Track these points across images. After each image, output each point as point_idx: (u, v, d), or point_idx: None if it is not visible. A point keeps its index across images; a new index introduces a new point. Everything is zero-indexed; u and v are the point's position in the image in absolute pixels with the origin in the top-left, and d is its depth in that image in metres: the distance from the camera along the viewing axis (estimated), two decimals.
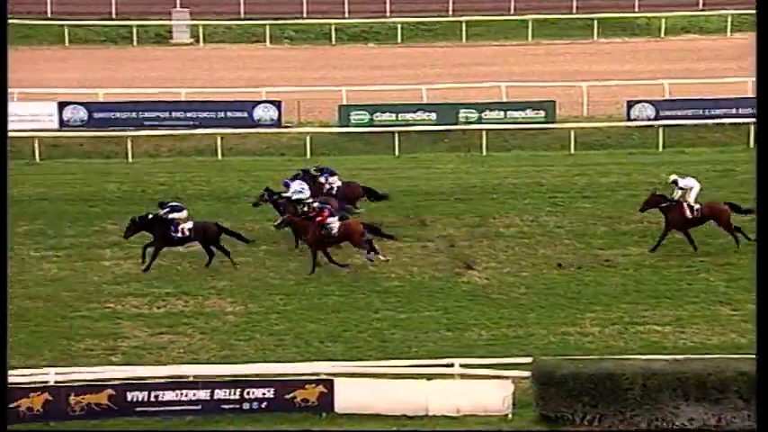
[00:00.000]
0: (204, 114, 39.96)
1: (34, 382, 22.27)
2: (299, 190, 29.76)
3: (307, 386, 22.49)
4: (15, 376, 22.51)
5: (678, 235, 29.18)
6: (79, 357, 24.17)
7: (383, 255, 28.36)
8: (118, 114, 39.85)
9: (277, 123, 40.04)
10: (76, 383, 22.28)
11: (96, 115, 39.79)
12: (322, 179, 30.92)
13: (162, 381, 22.50)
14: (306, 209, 28.78)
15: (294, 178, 30.52)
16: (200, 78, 44.31)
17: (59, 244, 29.44)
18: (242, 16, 52.71)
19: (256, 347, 24.89)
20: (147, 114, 39.90)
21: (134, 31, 50.63)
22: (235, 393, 22.43)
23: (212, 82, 43.38)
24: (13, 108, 39.47)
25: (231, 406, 22.41)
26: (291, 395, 22.44)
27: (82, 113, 39.79)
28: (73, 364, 23.59)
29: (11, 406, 21.81)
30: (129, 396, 22.20)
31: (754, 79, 23.55)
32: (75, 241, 29.76)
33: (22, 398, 21.92)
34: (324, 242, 28.19)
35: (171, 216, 28.31)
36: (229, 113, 40.10)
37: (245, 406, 22.43)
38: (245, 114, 40.03)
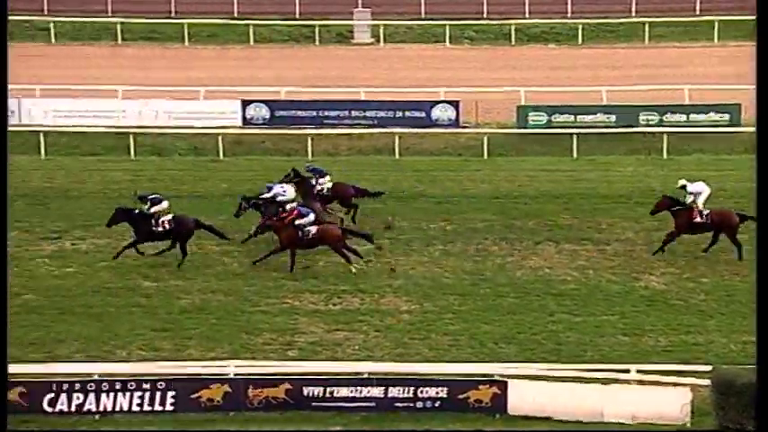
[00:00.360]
0: (382, 114, 40.30)
1: (215, 374, 22.80)
2: (282, 192, 29.69)
3: (480, 387, 22.48)
4: (196, 367, 23.13)
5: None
6: (258, 351, 24.64)
7: (356, 264, 27.91)
8: (299, 113, 40.50)
9: (455, 123, 40.11)
10: (255, 377, 22.73)
11: (278, 113, 40.51)
12: (312, 180, 30.85)
13: (337, 377, 22.78)
14: (279, 209, 28.78)
15: (283, 180, 30.46)
16: (379, 78, 44.67)
17: (240, 239, 30.01)
18: (422, 16, 52.95)
19: (431, 347, 24.99)
20: (327, 113, 40.44)
21: (316, 30, 51.36)
22: (408, 392, 22.56)
23: (391, 81, 43.68)
24: (199, 105, 40.59)
25: (405, 404, 22.55)
26: (465, 395, 22.46)
27: (264, 111, 40.55)
28: (252, 357, 24.08)
29: (192, 396, 22.43)
30: (306, 391, 22.54)
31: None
32: (256, 237, 30.28)
33: (203, 389, 22.48)
34: (297, 243, 27.92)
35: (153, 210, 28.52)
36: (407, 113, 40.34)
37: (419, 404, 22.54)
38: (423, 114, 40.21)
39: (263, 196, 29.72)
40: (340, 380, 22.69)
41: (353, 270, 27.90)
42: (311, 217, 28.15)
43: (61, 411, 22.28)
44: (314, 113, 40.43)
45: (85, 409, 22.33)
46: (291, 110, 40.56)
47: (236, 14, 52.97)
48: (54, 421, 22.17)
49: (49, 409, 22.27)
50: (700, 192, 29.03)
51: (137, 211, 28.57)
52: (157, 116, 40.05)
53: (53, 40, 50.15)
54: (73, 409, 22.28)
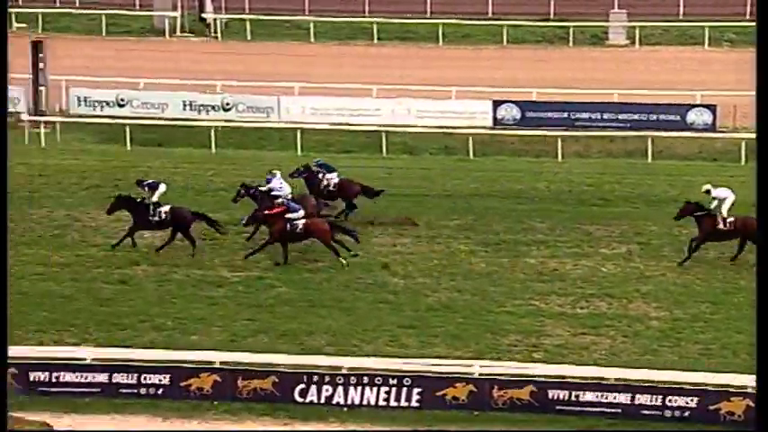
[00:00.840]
0: (636, 116, 39.73)
1: (460, 373, 22.93)
2: (278, 187, 29.45)
3: (732, 399, 21.85)
4: (441, 365, 23.30)
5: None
6: (503, 352, 24.64)
7: (344, 257, 28.05)
8: (550, 114, 40.33)
9: (711, 128, 39.14)
10: (500, 377, 22.75)
11: (529, 114, 40.44)
12: (320, 175, 30.69)
13: (583, 381, 22.56)
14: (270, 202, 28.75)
15: (293, 174, 30.45)
16: (633, 80, 43.99)
17: (488, 239, 30.10)
18: (680, 18, 51.87)
19: (680, 354, 24.46)
20: (578, 115, 40.13)
21: (570, 31, 51.00)
22: (656, 400, 22.15)
23: (646, 84, 42.95)
24: (451, 105, 40.92)
25: (651, 412, 22.15)
26: (716, 407, 21.88)
27: (515, 112, 40.55)
28: (497, 358, 24.10)
29: (437, 393, 22.61)
30: (551, 394, 22.42)
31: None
32: (503, 237, 30.32)
33: (449, 387, 22.65)
34: (287, 237, 28.09)
35: (153, 199, 28.61)
36: (662, 116, 39.65)
37: (666, 413, 22.09)
38: (678, 118, 39.41)
39: (261, 188, 29.93)
40: (586, 384, 22.47)
41: (344, 262, 28.02)
42: (300, 212, 28.44)
43: (312, 402, 22.85)
44: (565, 115, 40.19)
45: (334, 401, 22.83)
46: (542, 111, 40.43)
47: (489, 15, 53.16)
48: (304, 411, 22.76)
49: (300, 400, 22.88)
50: (724, 198, 28.43)
51: (139, 200, 29.05)
52: (410, 115, 40.59)
53: (312, 39, 51.50)
54: (322, 400, 22.84)
